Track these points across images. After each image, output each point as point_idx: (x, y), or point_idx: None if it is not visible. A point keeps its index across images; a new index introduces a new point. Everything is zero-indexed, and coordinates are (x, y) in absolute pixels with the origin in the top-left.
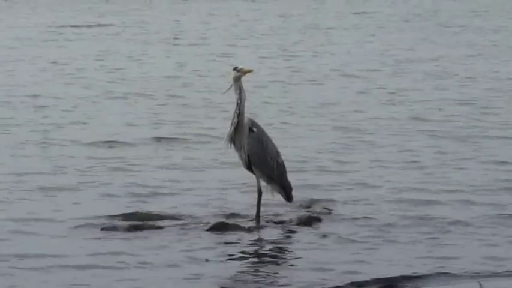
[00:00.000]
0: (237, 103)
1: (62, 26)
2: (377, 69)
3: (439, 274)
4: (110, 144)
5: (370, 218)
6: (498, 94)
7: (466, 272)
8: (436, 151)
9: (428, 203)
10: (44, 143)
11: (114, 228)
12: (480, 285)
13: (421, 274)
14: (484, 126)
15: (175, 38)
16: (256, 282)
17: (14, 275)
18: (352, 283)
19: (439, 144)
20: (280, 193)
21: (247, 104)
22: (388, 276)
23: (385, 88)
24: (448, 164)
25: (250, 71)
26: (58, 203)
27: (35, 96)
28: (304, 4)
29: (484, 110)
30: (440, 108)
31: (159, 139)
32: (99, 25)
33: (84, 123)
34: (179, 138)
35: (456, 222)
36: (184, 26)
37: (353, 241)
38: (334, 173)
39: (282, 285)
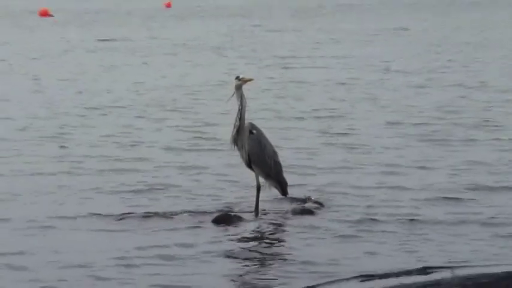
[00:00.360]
0: (239, 109)
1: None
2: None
3: (424, 269)
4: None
5: (356, 211)
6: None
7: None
8: (415, 152)
9: (408, 201)
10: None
11: (130, 219)
12: (452, 272)
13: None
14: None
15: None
16: (254, 264)
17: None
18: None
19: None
20: (276, 188)
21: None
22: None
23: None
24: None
25: (250, 80)
26: (77, 200)
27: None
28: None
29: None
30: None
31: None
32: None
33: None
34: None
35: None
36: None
37: (338, 231)
38: (324, 171)
39: (279, 266)
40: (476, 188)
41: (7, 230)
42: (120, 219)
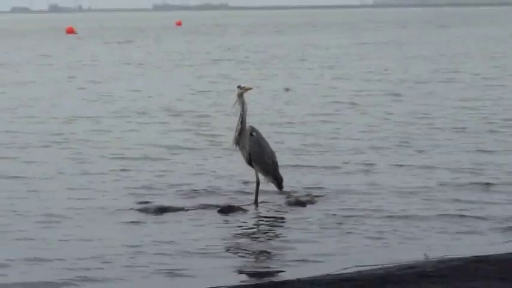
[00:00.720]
0: (240, 114)
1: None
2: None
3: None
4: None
5: (340, 204)
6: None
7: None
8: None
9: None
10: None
11: (145, 211)
12: (425, 255)
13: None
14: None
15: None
16: (253, 247)
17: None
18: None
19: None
20: (273, 183)
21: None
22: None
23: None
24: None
25: (250, 89)
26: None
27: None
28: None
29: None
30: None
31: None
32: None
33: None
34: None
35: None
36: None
37: (324, 221)
38: (314, 169)
39: (273, 249)
40: (446, 184)
41: (30, 222)
42: (138, 210)
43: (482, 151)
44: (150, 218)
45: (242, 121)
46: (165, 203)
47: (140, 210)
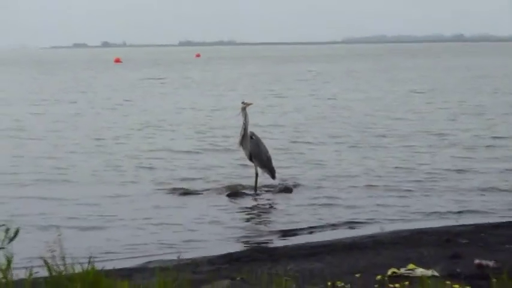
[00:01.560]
0: (243, 123)
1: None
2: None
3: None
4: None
5: (318, 189)
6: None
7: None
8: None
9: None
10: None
11: (173, 194)
12: (381, 228)
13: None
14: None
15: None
16: (252, 222)
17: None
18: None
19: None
20: (268, 174)
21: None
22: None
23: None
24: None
25: (251, 104)
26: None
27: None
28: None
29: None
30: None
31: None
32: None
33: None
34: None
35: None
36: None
37: (305, 201)
38: (298, 163)
39: (269, 220)
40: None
41: (83, 204)
42: (165, 193)
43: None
44: (179, 198)
45: (245, 128)
46: (189, 187)
47: (170, 192)
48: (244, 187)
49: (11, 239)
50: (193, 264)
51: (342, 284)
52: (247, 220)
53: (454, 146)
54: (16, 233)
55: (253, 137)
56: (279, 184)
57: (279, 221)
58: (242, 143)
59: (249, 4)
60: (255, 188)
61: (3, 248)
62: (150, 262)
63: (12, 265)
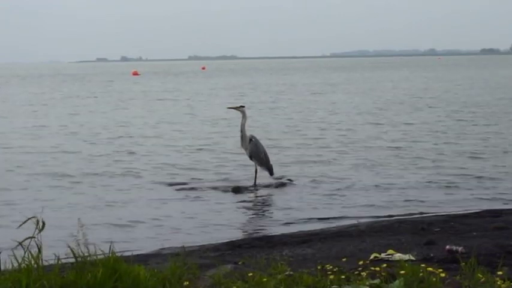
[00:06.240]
0: (241, 124)
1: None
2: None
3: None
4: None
5: (311, 184)
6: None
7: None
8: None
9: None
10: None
11: (181, 188)
12: (357, 221)
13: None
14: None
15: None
16: (252, 212)
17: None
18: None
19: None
20: (266, 171)
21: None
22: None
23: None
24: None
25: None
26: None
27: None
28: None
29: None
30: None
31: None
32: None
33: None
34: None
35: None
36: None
37: (298, 195)
38: (293, 162)
39: (268, 211)
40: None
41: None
42: (176, 189)
43: None
44: (188, 192)
45: (242, 130)
46: (197, 184)
47: (181, 188)
48: (245, 183)
49: (40, 230)
50: (201, 250)
51: (331, 267)
52: (248, 212)
53: None
54: (43, 225)
55: (253, 139)
56: (276, 179)
57: (276, 212)
58: (242, 144)
59: (249, 23)
60: (255, 182)
61: (33, 237)
62: (163, 249)
63: (42, 252)
